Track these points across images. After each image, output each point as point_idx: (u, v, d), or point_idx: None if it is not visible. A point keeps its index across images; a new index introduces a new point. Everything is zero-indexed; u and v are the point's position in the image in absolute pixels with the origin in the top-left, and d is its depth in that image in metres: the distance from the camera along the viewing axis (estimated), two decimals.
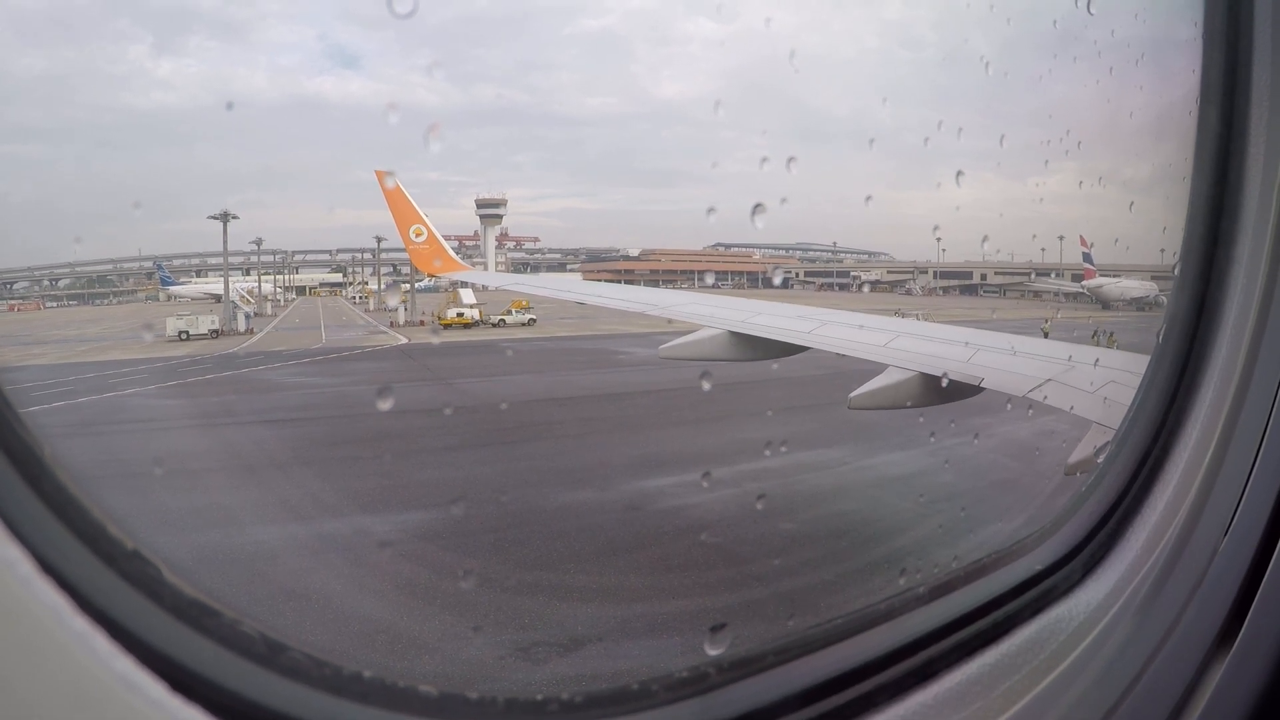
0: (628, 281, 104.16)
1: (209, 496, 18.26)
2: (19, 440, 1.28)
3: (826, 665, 1.92)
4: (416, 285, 78.47)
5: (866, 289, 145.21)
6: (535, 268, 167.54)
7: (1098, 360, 10.13)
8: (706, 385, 26.03)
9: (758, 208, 6.31)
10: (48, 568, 1.17)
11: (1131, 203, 6.86)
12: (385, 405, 28.74)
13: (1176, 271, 2.49)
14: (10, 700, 1.07)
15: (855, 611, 2.18)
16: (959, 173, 8.28)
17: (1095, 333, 31.97)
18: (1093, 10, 5.31)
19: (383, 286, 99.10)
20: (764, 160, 6.94)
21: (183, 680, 1.25)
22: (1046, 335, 24.63)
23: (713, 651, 2.11)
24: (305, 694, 1.43)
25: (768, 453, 21.40)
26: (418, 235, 27.34)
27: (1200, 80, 2.40)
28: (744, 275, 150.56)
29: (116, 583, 1.28)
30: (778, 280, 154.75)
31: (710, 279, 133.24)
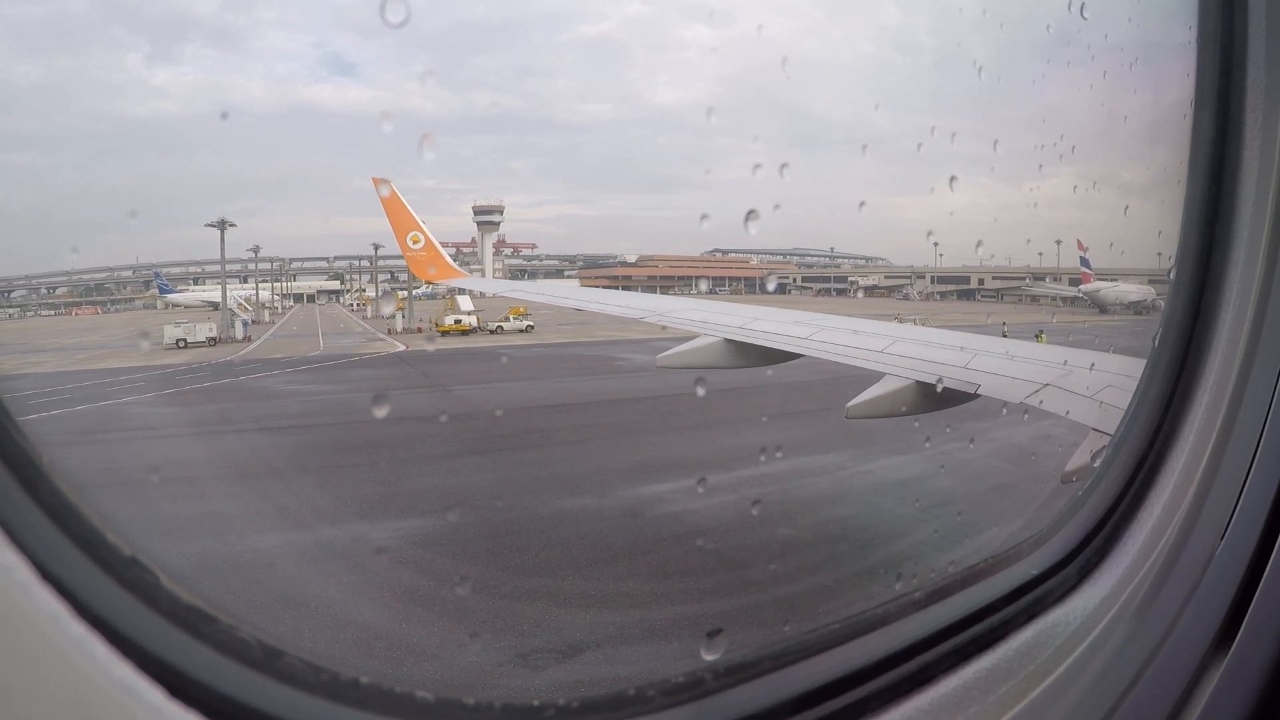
0: (625, 288, 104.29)
1: (207, 504, 18.22)
2: (17, 447, 1.28)
3: (822, 670, 1.92)
4: (414, 292, 78.50)
5: (860, 294, 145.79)
6: (533, 274, 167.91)
7: (1093, 365, 10.15)
8: (705, 392, 26.05)
9: (751, 214, 6.33)
10: (46, 574, 1.17)
11: (1126, 206, 6.87)
12: (383, 412, 28.71)
13: (1172, 276, 2.49)
14: (8, 706, 1.07)
15: (851, 617, 2.17)
16: (952, 178, 8.30)
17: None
18: (1086, 14, 5.33)
19: (380, 294, 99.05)
20: (757, 167, 6.96)
21: (180, 685, 1.25)
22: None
23: (708, 657, 2.11)
24: (302, 699, 1.43)
25: (763, 458, 21.40)
26: (415, 242, 27.41)
27: (1195, 83, 2.40)
28: (741, 281, 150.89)
29: (114, 589, 1.28)
30: (771, 286, 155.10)
31: (705, 285, 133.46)
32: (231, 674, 1.35)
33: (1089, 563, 2.32)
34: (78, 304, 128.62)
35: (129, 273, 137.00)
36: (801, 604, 12.28)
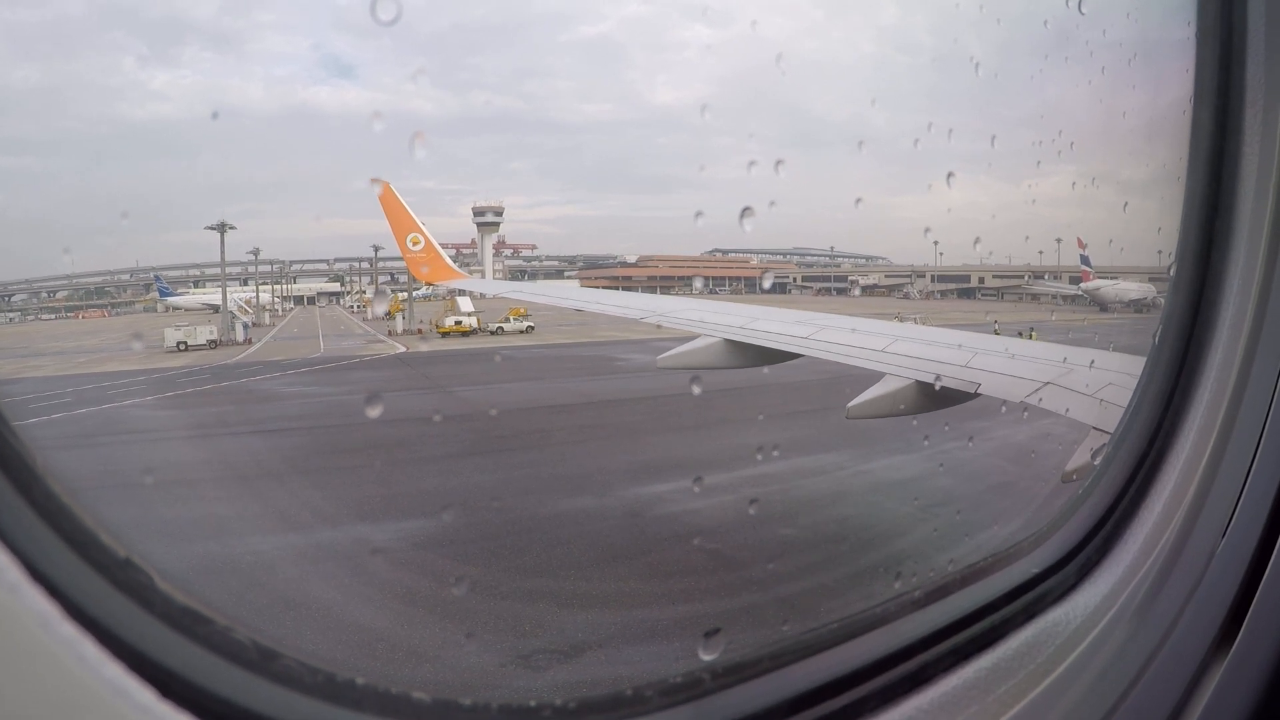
0: (625, 288, 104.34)
1: (207, 507, 18.22)
2: (10, 449, 1.28)
3: (820, 670, 1.91)
4: (415, 293, 78.58)
5: (858, 293, 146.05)
6: (533, 275, 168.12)
7: (1093, 362, 10.13)
8: (705, 392, 26.07)
9: (746, 211, 6.32)
10: (37, 575, 1.17)
11: (1125, 203, 6.86)
12: (383, 414, 28.69)
13: (1172, 273, 2.48)
14: None
15: (850, 616, 2.17)
16: (950, 174, 8.28)
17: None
18: (1084, 10, 5.31)
19: (375, 293, 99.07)
20: (752, 164, 6.95)
21: (172, 686, 1.25)
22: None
23: (706, 657, 2.10)
24: (297, 700, 1.43)
25: (763, 458, 21.42)
26: (415, 244, 27.43)
27: (1194, 80, 2.39)
28: (741, 280, 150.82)
29: (107, 590, 1.28)
30: (767, 284, 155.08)
31: (699, 284, 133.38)
32: (225, 675, 1.35)
33: (1089, 561, 2.32)
34: (84, 307, 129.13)
35: (127, 276, 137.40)
36: (802, 603, 12.27)
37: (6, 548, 1.17)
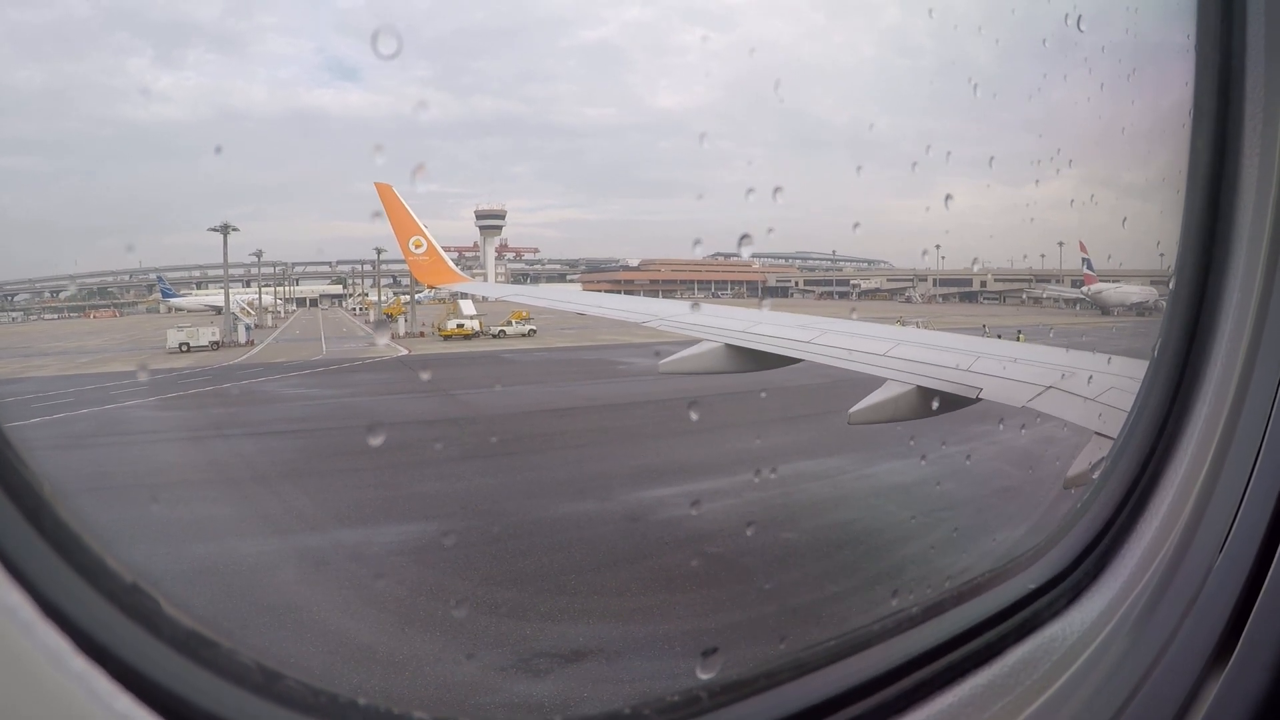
0: (628, 292, 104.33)
1: (209, 509, 18.22)
2: (19, 478, 1.28)
3: (817, 688, 1.91)
4: (417, 296, 78.71)
5: (857, 297, 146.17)
6: (535, 278, 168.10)
7: (1095, 368, 10.11)
8: (707, 396, 26.03)
9: (744, 238, 6.35)
10: (50, 611, 1.18)
11: (1125, 219, 6.86)
12: (385, 417, 28.68)
13: (1171, 285, 2.47)
14: None
15: (847, 633, 2.17)
16: (948, 196, 8.30)
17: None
18: (1083, 28, 5.33)
19: (383, 299, 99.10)
20: (750, 191, 6.96)
21: (180, 713, 1.26)
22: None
23: (703, 675, 2.10)
24: None
25: (761, 462, 21.43)
26: (417, 247, 27.41)
27: (1194, 88, 2.39)
28: (744, 284, 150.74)
29: (115, 618, 1.29)
30: (765, 299, 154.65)
31: (700, 291, 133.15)
32: (231, 699, 1.36)
33: (1087, 576, 2.31)
34: (89, 307, 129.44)
35: (127, 276, 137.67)
36: (804, 607, 12.26)
37: (20, 586, 1.17)
